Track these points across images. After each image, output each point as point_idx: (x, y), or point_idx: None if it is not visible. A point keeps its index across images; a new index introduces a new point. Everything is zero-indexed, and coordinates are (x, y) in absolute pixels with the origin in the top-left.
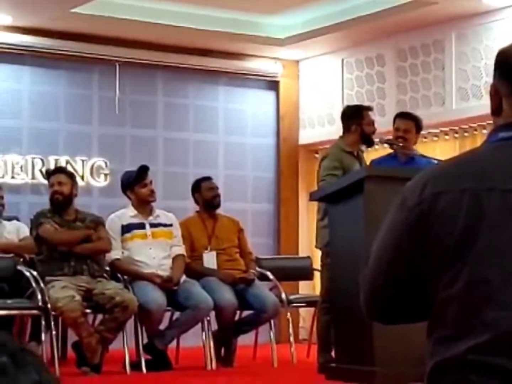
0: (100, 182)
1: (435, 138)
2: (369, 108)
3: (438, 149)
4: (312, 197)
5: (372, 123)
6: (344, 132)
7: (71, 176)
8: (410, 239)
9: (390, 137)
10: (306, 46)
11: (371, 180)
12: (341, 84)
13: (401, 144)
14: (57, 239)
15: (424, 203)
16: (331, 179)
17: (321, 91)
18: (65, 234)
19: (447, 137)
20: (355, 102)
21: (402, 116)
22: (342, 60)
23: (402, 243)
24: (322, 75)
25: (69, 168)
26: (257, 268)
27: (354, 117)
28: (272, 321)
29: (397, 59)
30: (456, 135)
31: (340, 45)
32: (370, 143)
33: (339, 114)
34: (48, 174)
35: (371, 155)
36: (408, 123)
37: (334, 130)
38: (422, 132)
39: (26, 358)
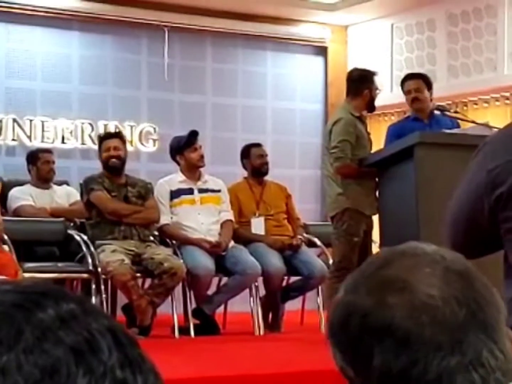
0: (149, 147)
1: (486, 105)
2: (376, 73)
3: (489, 115)
4: (362, 162)
5: (378, 88)
6: (352, 96)
7: (124, 141)
8: (482, 192)
9: (443, 103)
10: (355, 11)
11: (423, 146)
12: (390, 50)
13: (452, 111)
14: (108, 208)
15: (498, 168)
16: (343, 146)
17: (369, 56)
18: (116, 204)
19: (498, 103)
20: (404, 68)
21: (409, 77)
22: (392, 25)
23: (477, 193)
24: (371, 41)
25: None
26: (305, 234)
27: (367, 81)
28: (319, 287)
29: (448, 24)
30: (507, 101)
31: (389, 10)
32: (373, 109)
33: (387, 80)
34: (101, 139)
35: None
36: (417, 82)
37: (381, 96)
38: (473, 98)
39: (92, 305)
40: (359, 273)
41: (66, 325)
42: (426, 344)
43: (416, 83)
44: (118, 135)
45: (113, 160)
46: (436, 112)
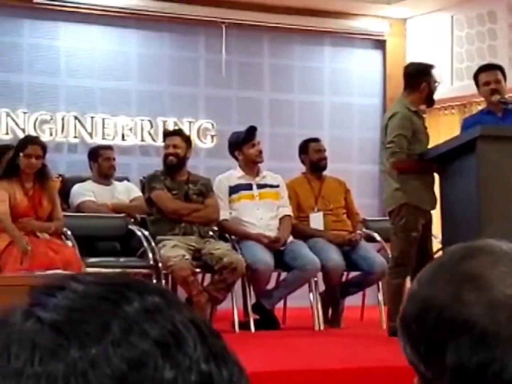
0: (207, 143)
1: None
2: (434, 67)
3: None
4: (422, 157)
5: (436, 81)
6: (409, 90)
7: (186, 139)
8: None
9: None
10: (413, 4)
11: (484, 140)
12: (450, 42)
13: None
14: (168, 208)
15: None
16: (400, 141)
17: (429, 49)
18: (176, 204)
19: None
20: (465, 60)
21: (485, 68)
22: (452, 17)
23: None
24: (430, 33)
25: None
26: (364, 229)
27: (424, 74)
28: (379, 283)
29: (510, 16)
30: None
31: (449, 2)
32: (432, 103)
33: (447, 73)
34: (165, 135)
35: None
36: (495, 73)
37: (441, 89)
38: None
39: (175, 297)
40: (435, 267)
41: (151, 317)
42: (502, 343)
43: (495, 74)
44: (179, 133)
45: (170, 158)
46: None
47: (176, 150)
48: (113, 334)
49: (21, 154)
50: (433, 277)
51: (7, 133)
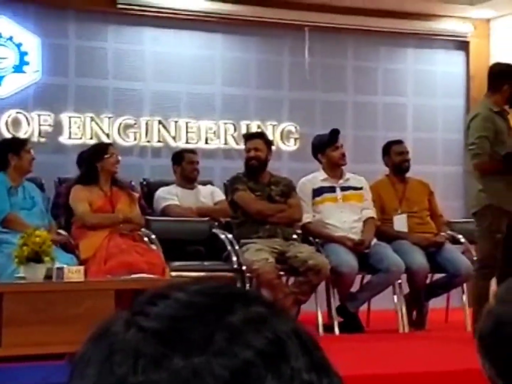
0: (290, 146)
1: None
2: None
3: None
4: (506, 158)
5: None
6: (491, 91)
7: (266, 141)
8: None
9: None
10: (497, 5)
11: None
12: None
13: None
14: (252, 209)
15: None
16: (482, 142)
17: None
18: (260, 205)
19: None
20: None
21: None
22: None
23: None
24: None
25: None
26: (448, 231)
27: (507, 75)
28: (464, 285)
29: None
30: None
31: None
32: None
33: None
34: (246, 138)
35: None
36: None
37: None
38: None
39: (280, 308)
40: (510, 284)
41: (255, 328)
42: None
43: None
44: (261, 135)
45: (252, 162)
46: None
47: (258, 153)
48: (216, 343)
49: (105, 155)
50: (507, 293)
51: (91, 138)
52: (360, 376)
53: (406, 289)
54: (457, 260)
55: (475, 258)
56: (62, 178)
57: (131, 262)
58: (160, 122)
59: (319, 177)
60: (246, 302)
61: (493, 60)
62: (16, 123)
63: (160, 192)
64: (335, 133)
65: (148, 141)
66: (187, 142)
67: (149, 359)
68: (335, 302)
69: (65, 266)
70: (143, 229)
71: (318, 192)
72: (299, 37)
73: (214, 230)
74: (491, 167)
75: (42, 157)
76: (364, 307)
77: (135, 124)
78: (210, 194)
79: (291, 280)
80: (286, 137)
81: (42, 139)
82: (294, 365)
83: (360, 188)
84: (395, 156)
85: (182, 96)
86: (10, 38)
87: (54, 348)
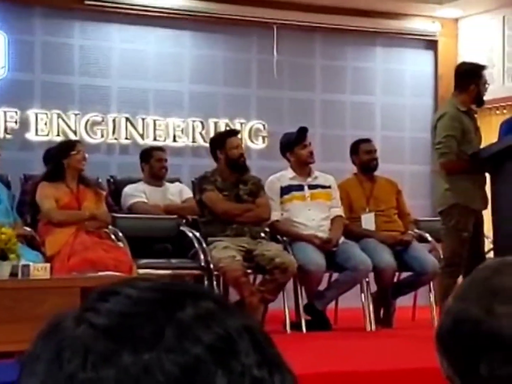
0: (259, 144)
1: None
2: (485, 68)
3: None
4: (473, 157)
5: (486, 82)
6: (458, 90)
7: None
8: None
9: None
10: (465, 5)
11: None
12: (502, 42)
13: None
14: (219, 209)
15: None
16: (449, 142)
17: (480, 49)
18: (227, 205)
19: None
20: None
21: None
22: (504, 18)
23: None
24: (482, 34)
25: None
26: (416, 230)
27: (474, 75)
28: (431, 283)
29: None
30: None
31: (501, 2)
32: (481, 103)
33: (499, 73)
34: (228, 135)
35: None
36: None
37: (493, 89)
38: None
39: (230, 304)
40: (468, 282)
41: (205, 324)
42: None
43: None
44: (238, 133)
45: (242, 159)
46: None
47: (241, 151)
48: (166, 340)
49: (72, 152)
50: (465, 291)
51: (58, 135)
52: (327, 373)
53: (373, 288)
54: (424, 259)
55: (441, 257)
56: (28, 175)
57: (94, 259)
58: (127, 119)
59: (288, 175)
60: (197, 298)
61: (461, 59)
62: None
63: (128, 189)
64: (303, 131)
65: (116, 138)
66: (155, 140)
67: (98, 355)
68: (303, 300)
69: (31, 263)
70: (110, 227)
71: (286, 190)
72: (268, 35)
73: (181, 228)
74: (458, 167)
75: (8, 154)
76: (331, 305)
77: (102, 121)
78: (178, 192)
79: (259, 278)
80: (254, 135)
81: (8, 136)
82: (244, 361)
83: (328, 187)
84: (363, 155)
85: (150, 93)
86: None
87: (19, 346)
